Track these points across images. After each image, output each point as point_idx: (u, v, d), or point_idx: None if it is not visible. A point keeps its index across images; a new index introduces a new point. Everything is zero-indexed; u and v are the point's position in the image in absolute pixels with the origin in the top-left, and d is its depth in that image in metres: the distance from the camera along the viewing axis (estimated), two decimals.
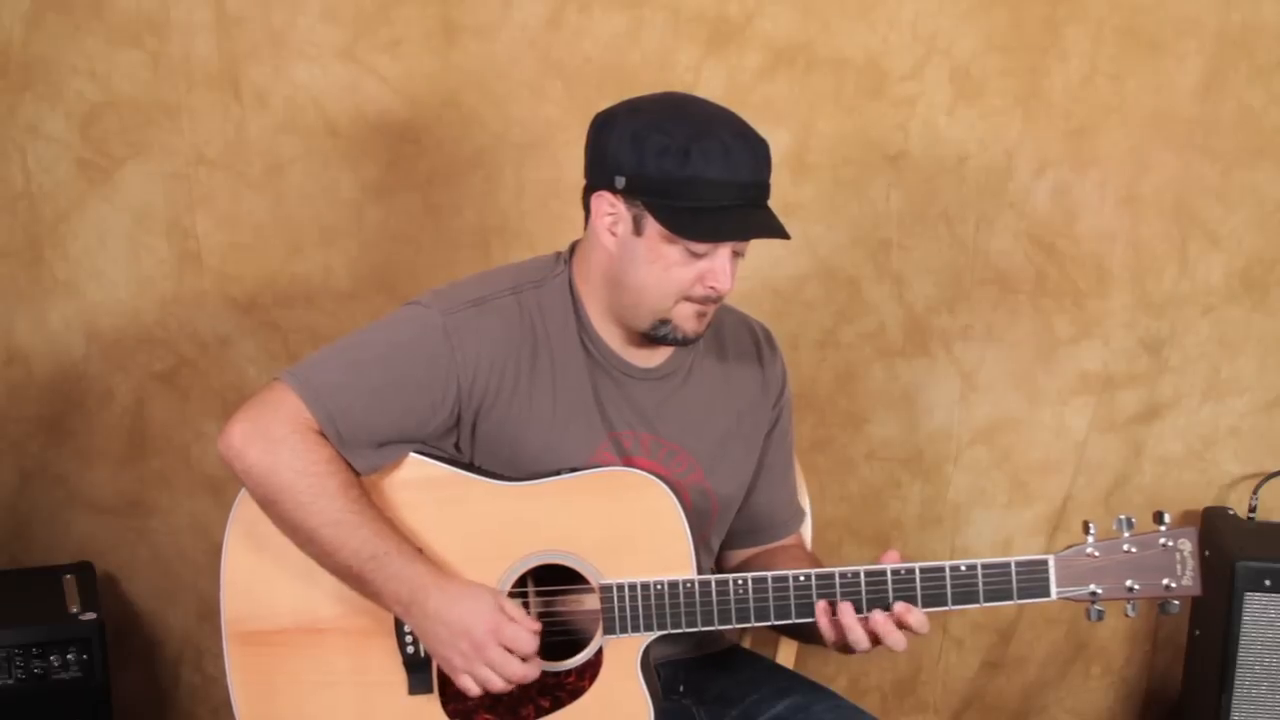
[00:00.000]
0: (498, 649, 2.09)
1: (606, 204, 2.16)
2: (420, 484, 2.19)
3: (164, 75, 2.90)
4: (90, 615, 2.80)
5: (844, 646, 2.14)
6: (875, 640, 2.11)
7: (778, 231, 2.12)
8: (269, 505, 2.11)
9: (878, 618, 2.11)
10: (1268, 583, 3.00)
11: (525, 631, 2.10)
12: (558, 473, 2.19)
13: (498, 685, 2.11)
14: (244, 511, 2.18)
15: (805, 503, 2.54)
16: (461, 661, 2.10)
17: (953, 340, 3.21)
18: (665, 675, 2.34)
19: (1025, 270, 3.17)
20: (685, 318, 2.18)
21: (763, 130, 2.93)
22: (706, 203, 2.09)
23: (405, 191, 3.02)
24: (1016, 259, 3.16)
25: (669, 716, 2.25)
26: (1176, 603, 2.16)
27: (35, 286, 2.98)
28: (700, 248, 2.12)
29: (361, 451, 2.13)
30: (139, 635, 3.16)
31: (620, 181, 2.13)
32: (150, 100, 2.91)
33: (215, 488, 3.04)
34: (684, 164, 2.08)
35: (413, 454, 2.19)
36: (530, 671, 2.12)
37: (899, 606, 2.11)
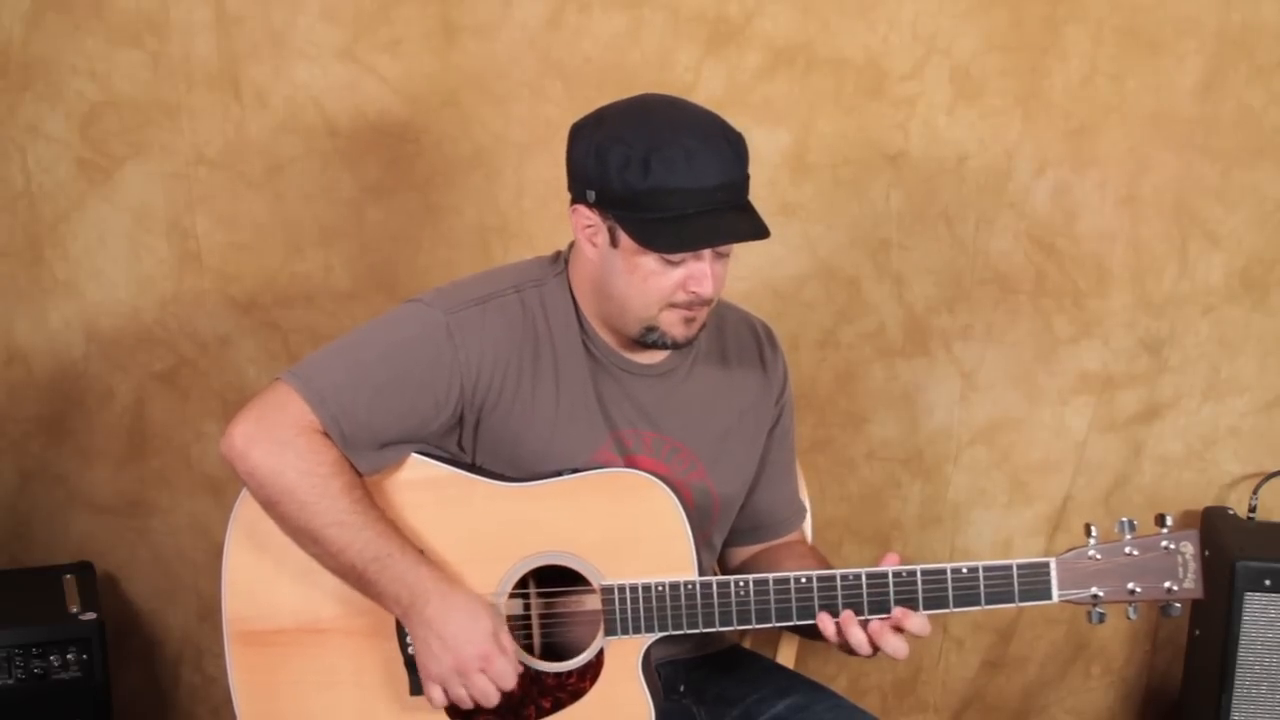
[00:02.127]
0: (481, 676, 2.10)
1: (583, 217, 2.16)
2: (422, 484, 2.19)
3: (164, 75, 2.90)
4: (90, 615, 2.80)
5: (848, 648, 2.14)
6: (876, 647, 2.11)
7: (748, 234, 2.10)
8: (272, 507, 2.11)
9: (875, 626, 2.11)
10: (1268, 583, 3.00)
11: (512, 668, 2.11)
12: (559, 473, 2.19)
13: (466, 705, 2.13)
14: (245, 511, 2.18)
15: (805, 501, 2.54)
16: (439, 673, 2.10)
17: (953, 340, 3.21)
18: (665, 675, 2.34)
19: (1025, 270, 3.17)
20: (672, 324, 2.17)
21: (763, 130, 2.94)
22: (673, 212, 2.07)
23: (405, 191, 3.02)
24: (1016, 259, 3.16)
25: (669, 716, 2.25)
26: (1178, 605, 2.16)
27: (35, 286, 2.98)
28: (674, 256, 2.11)
29: (365, 452, 2.13)
30: (139, 635, 3.16)
31: (591, 195, 2.13)
32: (150, 100, 2.91)
33: (215, 488, 3.04)
34: (645, 175, 2.06)
35: (415, 454, 2.19)
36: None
37: (897, 611, 2.11)
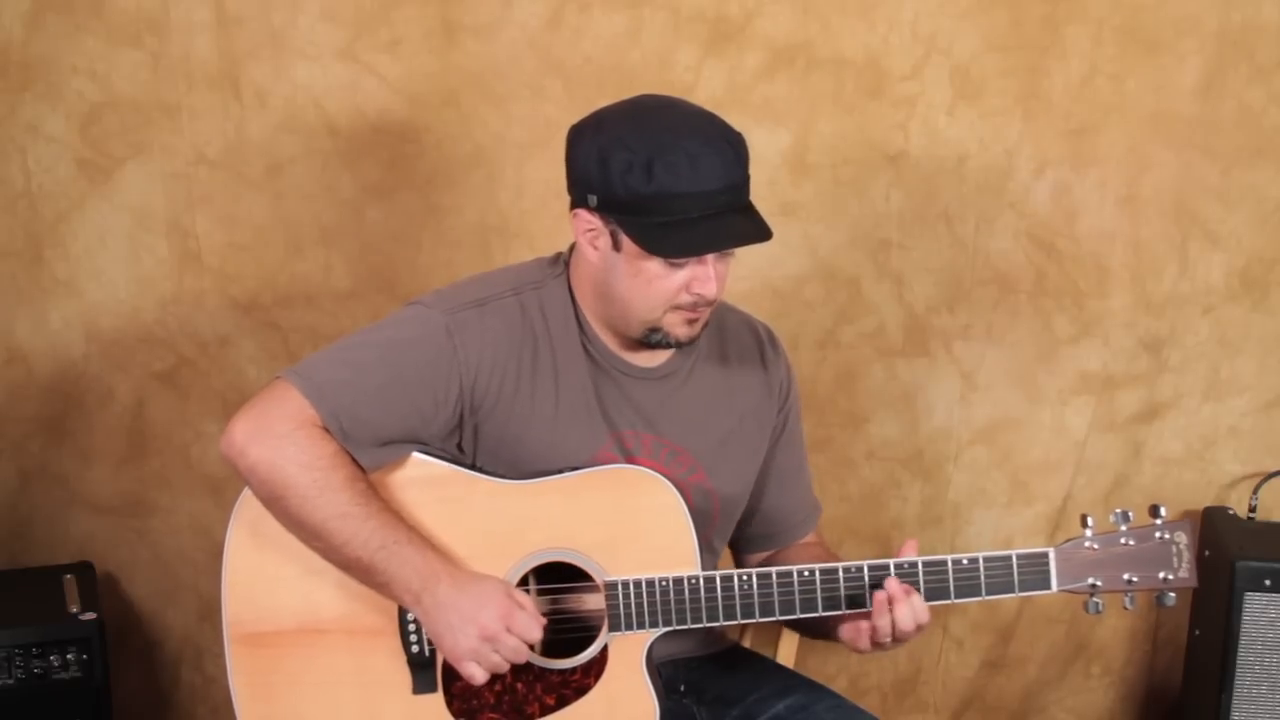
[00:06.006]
0: (508, 636, 2.09)
1: (585, 221, 2.16)
2: (423, 482, 2.18)
3: (164, 75, 2.90)
4: (90, 615, 2.80)
5: (861, 645, 2.17)
6: (895, 630, 2.13)
7: (753, 237, 2.10)
8: (274, 502, 2.10)
9: (892, 584, 2.13)
10: (1268, 583, 3.00)
11: (534, 620, 2.11)
12: (560, 471, 2.19)
13: (504, 671, 2.12)
14: (246, 512, 2.17)
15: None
16: (469, 647, 2.10)
17: (953, 340, 3.21)
18: (666, 674, 2.34)
19: (1025, 270, 3.17)
20: (675, 324, 2.18)
21: (763, 130, 2.94)
22: (677, 216, 2.07)
23: (405, 191, 3.02)
24: (1016, 259, 3.17)
25: (669, 716, 2.25)
26: (1173, 595, 2.19)
27: (35, 286, 2.98)
28: (678, 260, 2.12)
29: (365, 449, 2.13)
30: (139, 635, 3.16)
31: (593, 200, 2.12)
32: (150, 100, 2.91)
33: (215, 488, 3.04)
34: (648, 180, 2.06)
35: (415, 453, 2.19)
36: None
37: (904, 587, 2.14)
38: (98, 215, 2.96)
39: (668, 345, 2.21)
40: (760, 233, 2.11)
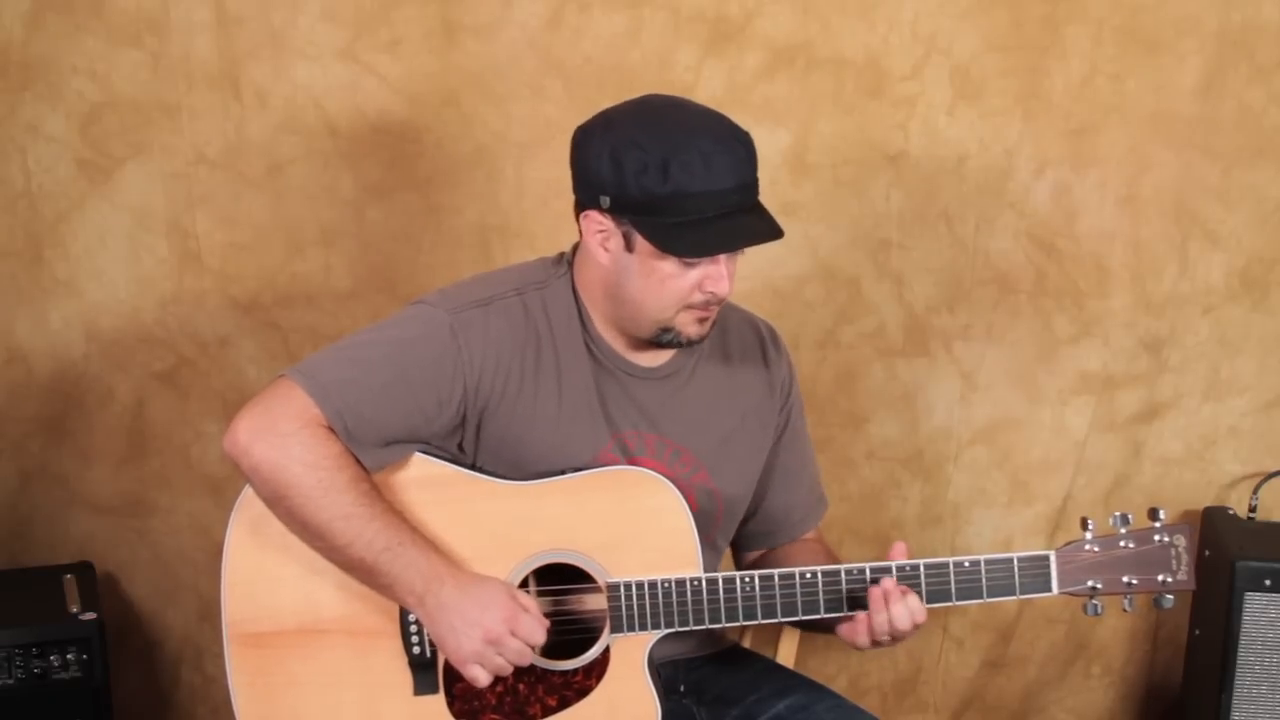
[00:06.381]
0: (513, 639, 2.10)
1: (595, 222, 2.16)
2: (426, 483, 2.19)
3: (164, 75, 2.90)
4: (90, 615, 2.79)
5: (862, 642, 2.17)
6: (891, 628, 2.13)
7: (766, 236, 2.11)
8: (277, 502, 2.10)
9: (888, 583, 2.14)
10: (1268, 582, 3.00)
11: (538, 623, 2.11)
12: (562, 472, 2.19)
13: (506, 673, 2.13)
14: (246, 511, 2.17)
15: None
16: (472, 650, 2.10)
17: (953, 340, 3.21)
18: (666, 675, 2.34)
19: (1025, 270, 3.17)
20: (687, 323, 2.18)
21: (763, 130, 2.92)
22: (692, 215, 2.08)
23: (405, 191, 3.02)
24: (1016, 259, 3.16)
25: (669, 716, 2.25)
26: (1170, 597, 2.20)
27: (35, 286, 2.97)
28: (693, 260, 2.12)
29: (369, 449, 2.13)
30: (139, 635, 3.16)
31: (605, 201, 2.12)
32: (150, 100, 2.91)
33: (215, 488, 3.04)
34: (664, 180, 2.06)
35: (418, 453, 2.19)
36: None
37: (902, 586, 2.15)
38: (98, 215, 2.95)
39: (678, 344, 2.22)
40: (773, 231, 2.12)
